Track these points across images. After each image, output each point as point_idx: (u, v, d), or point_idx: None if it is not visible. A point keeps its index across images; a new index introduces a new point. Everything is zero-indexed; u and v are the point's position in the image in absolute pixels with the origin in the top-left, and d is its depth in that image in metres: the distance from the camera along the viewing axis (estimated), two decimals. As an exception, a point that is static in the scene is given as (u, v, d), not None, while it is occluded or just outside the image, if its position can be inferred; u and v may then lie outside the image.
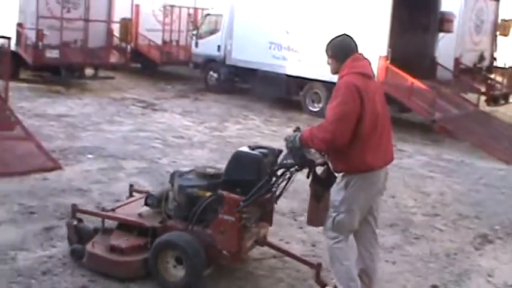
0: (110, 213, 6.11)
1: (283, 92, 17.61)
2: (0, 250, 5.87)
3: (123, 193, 7.61)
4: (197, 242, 5.32)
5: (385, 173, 5.14)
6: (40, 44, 17.02)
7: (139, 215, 5.90)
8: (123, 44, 19.36)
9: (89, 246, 5.71)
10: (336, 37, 5.24)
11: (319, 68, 15.61)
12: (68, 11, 18.10)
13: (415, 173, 10.77)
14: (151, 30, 22.37)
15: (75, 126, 12.39)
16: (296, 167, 5.11)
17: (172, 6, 22.66)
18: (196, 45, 21.22)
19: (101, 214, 6.17)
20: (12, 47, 13.65)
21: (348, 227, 5.03)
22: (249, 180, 5.29)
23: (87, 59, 18.34)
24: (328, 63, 5.24)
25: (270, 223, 6.05)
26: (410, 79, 14.56)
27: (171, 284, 5.39)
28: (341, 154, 4.91)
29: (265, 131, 13.74)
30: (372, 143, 4.88)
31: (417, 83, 14.54)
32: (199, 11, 23.20)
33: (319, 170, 5.19)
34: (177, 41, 23.14)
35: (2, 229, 6.40)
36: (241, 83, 19.67)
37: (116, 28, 19.27)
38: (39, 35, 16.99)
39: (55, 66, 17.86)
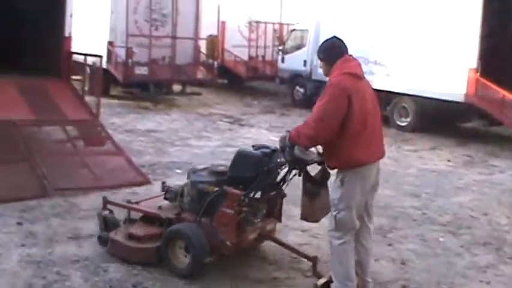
0: (134, 205, 6.67)
1: (370, 106, 17.31)
2: (92, 262, 6.00)
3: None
4: (202, 232, 5.75)
5: (376, 168, 5.32)
6: (130, 61, 17.52)
7: (159, 207, 6.44)
8: (210, 60, 19.65)
9: (112, 234, 6.29)
10: (325, 40, 5.50)
11: (407, 82, 15.43)
12: (156, 29, 18.54)
13: (507, 189, 10.38)
14: (237, 46, 22.65)
15: (164, 141, 12.62)
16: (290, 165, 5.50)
17: (257, 22, 22.88)
18: (283, 60, 21.32)
19: (127, 206, 6.68)
20: (103, 65, 14.01)
21: (350, 224, 5.17)
22: (249, 177, 5.64)
23: (175, 75, 18.71)
24: (320, 67, 5.53)
25: (279, 219, 6.42)
26: (501, 91, 14.15)
27: (179, 270, 5.83)
28: (333, 151, 5.16)
29: (352, 145, 13.51)
30: (362, 140, 5.07)
31: (509, 96, 14.10)
32: (285, 27, 23.30)
33: (315, 169, 5.48)
34: (263, 57, 23.32)
35: (93, 241, 6.51)
36: (328, 97, 19.50)
37: (202, 45, 19.59)
38: (129, 52, 17.48)
39: (144, 82, 18.30)
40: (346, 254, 5.19)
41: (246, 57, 22.75)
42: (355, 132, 5.00)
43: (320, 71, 17.82)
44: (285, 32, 23.07)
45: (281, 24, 23.57)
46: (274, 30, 23.36)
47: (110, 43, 17.86)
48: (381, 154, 5.35)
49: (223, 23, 21.54)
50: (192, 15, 19.32)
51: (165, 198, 6.55)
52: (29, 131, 10.19)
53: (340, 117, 4.94)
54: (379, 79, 16.54)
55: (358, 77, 5.24)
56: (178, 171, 10.03)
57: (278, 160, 5.60)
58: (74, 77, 11.93)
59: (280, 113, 18.42)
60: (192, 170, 6.51)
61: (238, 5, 22.78)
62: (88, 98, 11.19)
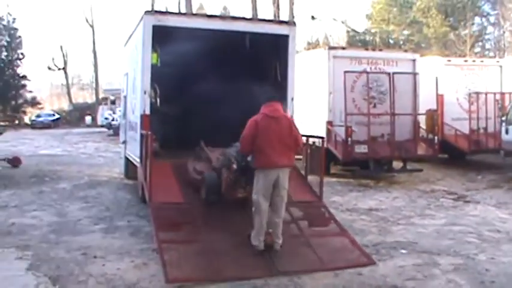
0: (207, 151, 10.97)
1: None
2: None
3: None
4: (218, 181, 9.65)
5: (278, 173, 8.67)
6: (349, 140, 17.62)
7: (217, 158, 10.16)
8: (430, 135, 19.22)
9: (189, 163, 10.86)
10: None
11: None
12: (374, 106, 18.55)
13: None
14: (457, 119, 22.00)
15: (386, 220, 12.40)
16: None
17: (477, 93, 22.14)
18: (507, 131, 20.31)
19: (203, 148, 11.17)
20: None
21: (261, 203, 8.57)
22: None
23: (395, 152, 18.43)
24: None
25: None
26: None
27: (202, 196, 9.94)
28: (254, 158, 8.75)
29: None
30: (265, 153, 8.58)
31: None
32: (507, 96, 22.34)
33: None
34: (485, 129, 22.36)
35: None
36: (560, 168, 18.27)
37: (421, 120, 19.28)
38: (348, 131, 17.62)
39: (364, 160, 18.27)
40: (259, 219, 8.56)
41: (466, 130, 22.00)
42: (260, 147, 8.56)
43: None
44: (507, 102, 22.10)
45: (502, 94, 22.61)
46: (496, 100, 22.44)
47: (329, 123, 18.17)
48: (281, 164, 8.68)
49: (441, 96, 21.05)
50: (410, 91, 19.09)
51: (221, 154, 10.05)
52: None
53: (250, 137, 8.61)
54: None
55: (271, 117, 8.69)
56: (403, 251, 9.78)
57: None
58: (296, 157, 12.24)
59: (507, 188, 17.42)
60: (231, 144, 9.72)
61: (456, 77, 22.25)
62: (309, 177, 11.37)
